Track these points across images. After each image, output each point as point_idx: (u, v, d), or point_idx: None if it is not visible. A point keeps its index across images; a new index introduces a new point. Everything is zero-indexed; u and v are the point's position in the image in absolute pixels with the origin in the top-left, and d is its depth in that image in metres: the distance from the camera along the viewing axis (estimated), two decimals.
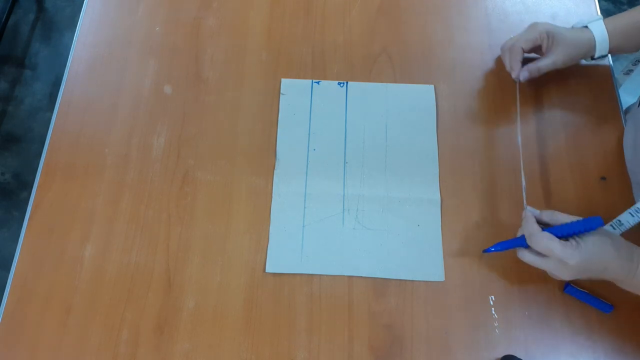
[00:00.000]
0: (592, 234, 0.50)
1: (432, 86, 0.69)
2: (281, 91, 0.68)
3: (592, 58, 0.65)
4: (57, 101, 0.68)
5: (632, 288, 0.52)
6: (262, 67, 0.70)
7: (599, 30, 0.62)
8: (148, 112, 0.67)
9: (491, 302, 0.58)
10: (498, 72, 0.69)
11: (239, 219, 0.61)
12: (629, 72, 0.69)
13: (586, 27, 0.63)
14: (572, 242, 0.50)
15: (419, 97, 0.68)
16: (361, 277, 0.59)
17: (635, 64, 0.67)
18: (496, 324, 0.57)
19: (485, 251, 0.57)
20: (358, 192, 0.62)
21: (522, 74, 0.64)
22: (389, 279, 0.58)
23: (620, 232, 0.53)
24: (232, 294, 0.58)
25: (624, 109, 0.69)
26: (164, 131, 0.66)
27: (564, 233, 0.51)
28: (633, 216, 0.52)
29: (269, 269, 0.59)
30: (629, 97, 0.79)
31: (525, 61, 0.64)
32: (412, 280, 0.58)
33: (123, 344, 0.55)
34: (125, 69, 0.70)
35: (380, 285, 0.58)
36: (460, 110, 0.68)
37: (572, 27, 0.64)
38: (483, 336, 0.56)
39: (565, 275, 0.51)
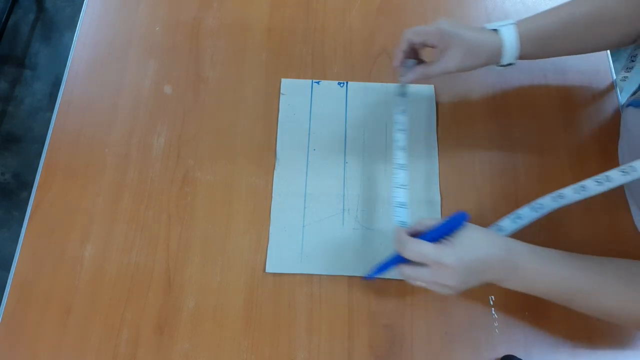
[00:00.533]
0: (462, 230, 0.48)
1: (432, 86, 0.69)
2: (281, 91, 0.68)
3: (498, 64, 0.58)
4: (57, 101, 0.68)
5: (517, 283, 0.49)
6: (262, 67, 0.70)
7: (510, 36, 0.56)
8: (148, 112, 0.67)
9: (491, 302, 0.58)
10: (498, 71, 0.69)
11: (239, 219, 0.61)
12: (624, 79, 0.69)
13: (496, 30, 0.57)
14: (444, 241, 0.47)
15: (419, 97, 0.68)
16: (361, 277, 0.59)
17: (628, 71, 0.67)
18: (496, 324, 0.57)
19: (365, 278, 0.56)
20: (358, 192, 0.62)
21: (407, 76, 0.59)
22: (389, 279, 0.58)
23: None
24: (232, 294, 0.58)
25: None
26: (164, 131, 0.66)
27: (434, 236, 0.48)
28: (514, 223, 0.52)
29: (269, 269, 0.59)
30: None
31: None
32: None
33: (123, 344, 0.55)
34: (125, 69, 0.70)
35: (380, 285, 0.58)
36: (460, 110, 0.68)
37: (483, 28, 0.58)
38: (483, 336, 0.56)
39: (452, 282, 0.46)
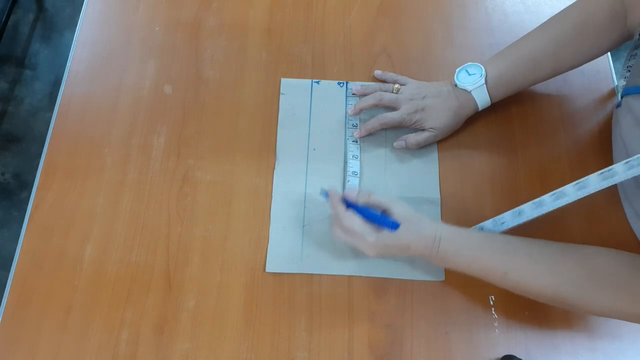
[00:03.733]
0: (402, 218, 0.53)
1: None
2: (281, 91, 0.68)
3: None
4: (57, 101, 0.68)
5: (438, 262, 0.54)
6: (262, 67, 0.70)
7: (482, 95, 0.61)
8: (148, 112, 0.67)
9: (491, 302, 0.58)
10: None
11: (239, 219, 0.61)
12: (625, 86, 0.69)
13: (468, 91, 0.61)
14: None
15: None
16: (361, 277, 0.59)
17: (624, 76, 0.67)
18: (496, 324, 0.57)
19: (323, 194, 0.58)
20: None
21: (397, 142, 0.64)
22: (389, 279, 0.58)
23: None
24: (232, 294, 0.58)
25: None
26: (164, 131, 0.66)
27: (366, 216, 0.54)
28: (494, 225, 0.56)
29: (269, 269, 0.59)
30: None
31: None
32: (412, 280, 0.58)
33: (123, 344, 0.55)
34: (125, 68, 0.70)
35: (380, 285, 0.58)
36: None
37: (455, 86, 0.62)
38: (483, 336, 0.56)
39: (369, 252, 0.54)
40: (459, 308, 0.57)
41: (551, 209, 0.53)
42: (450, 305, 0.57)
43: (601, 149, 0.65)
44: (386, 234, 0.53)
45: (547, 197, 0.53)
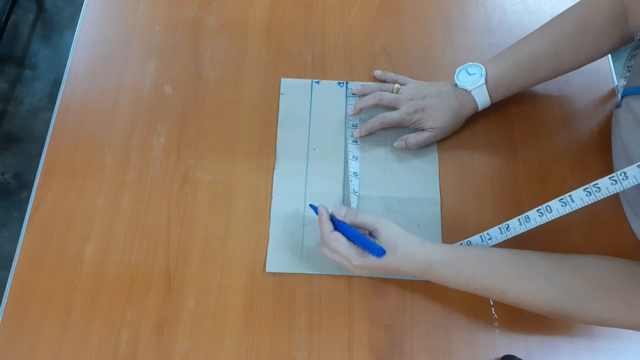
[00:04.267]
0: (379, 238, 0.52)
1: None
2: (281, 91, 0.68)
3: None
4: (57, 101, 0.68)
5: (434, 281, 0.53)
6: (262, 67, 0.70)
7: (482, 95, 0.61)
8: (148, 112, 0.67)
9: (491, 302, 0.58)
10: None
11: (239, 219, 0.61)
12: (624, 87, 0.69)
13: (468, 91, 0.61)
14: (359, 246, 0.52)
15: None
16: (361, 277, 0.59)
17: (624, 76, 0.67)
18: (496, 324, 0.57)
19: (311, 206, 0.58)
20: (358, 192, 0.62)
21: (397, 142, 0.64)
22: (389, 279, 0.58)
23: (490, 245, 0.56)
24: (232, 294, 0.58)
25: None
26: (164, 131, 0.66)
27: (353, 239, 0.52)
28: (502, 233, 0.54)
29: (269, 269, 0.59)
30: None
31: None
32: (412, 280, 0.58)
33: (123, 344, 0.55)
34: (125, 68, 0.70)
35: (380, 285, 0.58)
36: None
37: (456, 86, 0.62)
38: (483, 336, 0.56)
39: (355, 271, 0.54)
40: (459, 308, 0.57)
41: (538, 224, 0.52)
42: (450, 305, 0.57)
43: (601, 149, 0.65)
44: (372, 259, 0.51)
45: (533, 212, 0.53)
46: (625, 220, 0.61)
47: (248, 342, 0.56)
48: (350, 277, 0.59)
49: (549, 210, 0.50)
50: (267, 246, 0.60)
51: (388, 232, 0.52)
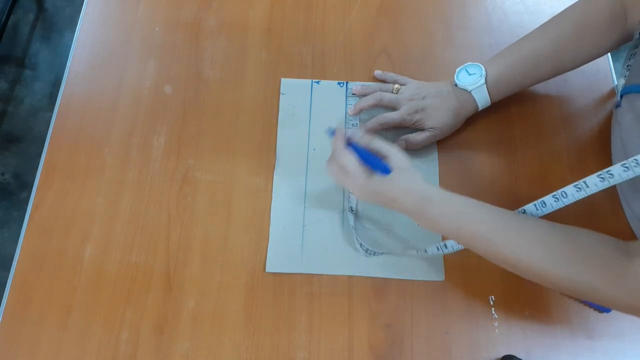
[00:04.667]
0: (396, 167, 0.54)
1: None
2: (281, 91, 0.68)
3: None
4: (57, 101, 0.68)
5: (424, 224, 0.54)
6: (262, 67, 0.70)
7: (482, 95, 0.61)
8: (148, 112, 0.67)
9: (491, 302, 0.58)
10: None
11: (239, 219, 0.61)
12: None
13: (468, 91, 0.61)
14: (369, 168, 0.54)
15: None
16: (361, 277, 0.59)
17: (624, 75, 0.67)
18: (496, 324, 0.57)
19: (329, 132, 0.58)
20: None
21: (398, 142, 0.64)
22: (389, 279, 0.58)
23: None
24: (232, 294, 0.58)
25: None
26: (164, 131, 0.66)
27: (363, 157, 0.54)
28: (557, 200, 0.52)
29: (269, 269, 0.59)
30: None
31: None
32: (412, 280, 0.58)
33: (123, 344, 0.55)
34: (125, 68, 0.70)
35: (380, 285, 0.58)
36: None
37: (456, 86, 0.62)
38: (483, 336, 0.56)
39: (357, 192, 0.55)
40: (459, 308, 0.57)
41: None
42: (450, 305, 0.57)
43: (601, 149, 0.65)
44: (377, 179, 0.53)
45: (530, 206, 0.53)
46: (622, 210, 0.61)
47: (248, 342, 0.56)
48: (350, 277, 0.59)
49: (587, 185, 0.49)
50: (267, 246, 0.60)
51: (399, 159, 0.54)
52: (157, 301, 0.57)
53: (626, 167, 0.46)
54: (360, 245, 0.59)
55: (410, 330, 0.56)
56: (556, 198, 0.51)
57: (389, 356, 0.55)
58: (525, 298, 0.58)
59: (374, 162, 0.54)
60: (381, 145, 0.55)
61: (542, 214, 0.52)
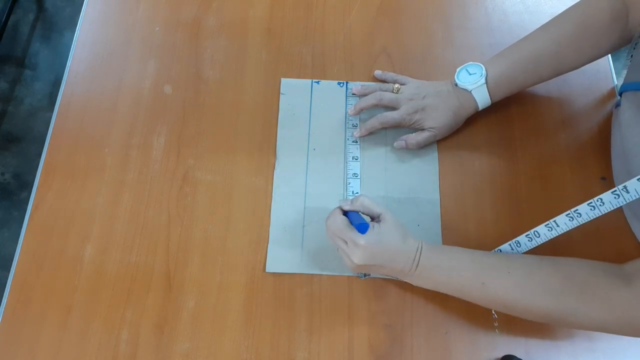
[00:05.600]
0: (384, 222, 0.53)
1: None
2: (281, 91, 0.68)
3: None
4: (57, 101, 0.68)
5: (416, 281, 0.54)
6: (262, 67, 0.70)
7: (482, 95, 0.61)
8: (148, 112, 0.67)
9: None
10: None
11: (239, 219, 0.61)
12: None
13: (469, 90, 0.61)
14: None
15: None
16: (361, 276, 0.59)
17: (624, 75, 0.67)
18: (496, 324, 0.57)
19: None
20: (358, 192, 0.62)
21: (398, 142, 0.64)
22: (389, 279, 0.58)
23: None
24: (232, 294, 0.58)
25: None
26: (164, 131, 0.66)
27: (354, 222, 0.53)
28: (531, 240, 0.54)
29: (269, 269, 0.59)
30: None
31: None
32: None
33: (123, 344, 0.55)
34: (125, 68, 0.70)
35: (380, 285, 0.58)
36: None
37: (456, 85, 0.62)
38: (483, 336, 0.56)
39: (356, 260, 0.52)
40: (459, 308, 0.57)
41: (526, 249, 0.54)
42: (450, 305, 0.57)
43: (601, 149, 0.65)
44: (373, 237, 0.51)
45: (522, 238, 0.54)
46: (626, 223, 0.61)
47: (248, 342, 0.56)
48: (350, 277, 0.59)
49: (599, 205, 0.49)
50: (267, 246, 0.60)
51: (386, 220, 0.53)
52: (157, 301, 0.57)
53: (616, 194, 0.47)
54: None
55: (410, 330, 0.56)
56: (530, 238, 0.53)
57: (389, 356, 0.55)
58: None
59: (355, 219, 0.53)
60: (368, 204, 0.54)
61: (519, 253, 0.54)
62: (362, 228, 0.52)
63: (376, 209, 0.54)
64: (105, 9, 0.74)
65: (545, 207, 0.62)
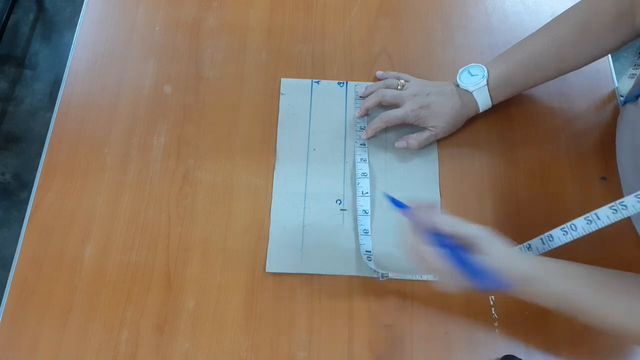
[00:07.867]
0: (489, 241, 0.46)
1: None
2: (281, 91, 0.68)
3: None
4: (57, 101, 0.68)
5: (526, 297, 0.49)
6: (262, 67, 0.70)
7: (483, 96, 0.61)
8: (148, 112, 0.67)
9: (491, 302, 0.58)
10: None
11: (239, 219, 0.61)
12: (632, 76, 0.68)
13: (470, 92, 0.61)
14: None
15: None
16: (361, 277, 0.59)
17: (637, 68, 0.67)
18: (496, 324, 0.57)
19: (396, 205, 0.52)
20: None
21: (398, 142, 0.64)
22: (389, 279, 0.58)
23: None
24: (232, 294, 0.58)
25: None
26: (164, 131, 0.66)
27: (445, 246, 0.46)
28: (544, 244, 0.52)
29: (269, 269, 0.59)
30: None
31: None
32: (412, 280, 0.58)
33: (123, 344, 0.55)
34: (125, 68, 0.70)
35: (380, 285, 0.58)
36: None
37: (457, 86, 0.62)
38: (483, 336, 0.56)
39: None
40: (459, 308, 0.57)
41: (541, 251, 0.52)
42: (450, 305, 0.57)
43: (601, 149, 0.65)
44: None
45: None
46: (632, 228, 0.61)
47: (248, 342, 0.56)
48: (350, 277, 0.59)
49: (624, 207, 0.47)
50: (267, 246, 0.60)
51: (489, 244, 0.46)
52: (157, 301, 0.57)
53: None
54: (376, 271, 0.57)
55: (410, 330, 0.56)
56: (565, 231, 0.49)
57: (389, 356, 0.55)
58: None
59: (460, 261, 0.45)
60: (467, 229, 0.47)
61: (549, 249, 0.51)
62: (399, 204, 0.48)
63: (470, 236, 0.47)
64: (105, 9, 0.74)
65: (545, 207, 0.62)
